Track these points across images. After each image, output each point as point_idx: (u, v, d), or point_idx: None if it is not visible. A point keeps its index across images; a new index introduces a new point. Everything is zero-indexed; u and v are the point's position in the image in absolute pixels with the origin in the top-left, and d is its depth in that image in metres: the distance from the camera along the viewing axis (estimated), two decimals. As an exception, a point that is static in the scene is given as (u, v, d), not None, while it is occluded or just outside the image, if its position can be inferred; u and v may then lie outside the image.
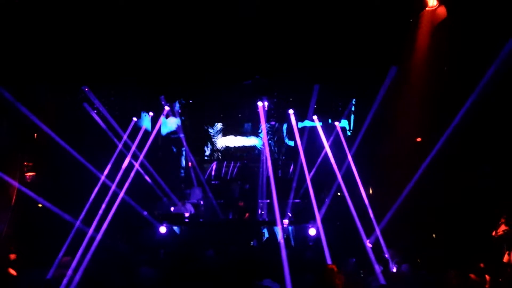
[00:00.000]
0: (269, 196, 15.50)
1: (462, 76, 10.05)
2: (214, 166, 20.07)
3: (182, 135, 17.19)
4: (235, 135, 19.92)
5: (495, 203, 10.63)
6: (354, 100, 14.83)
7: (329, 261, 10.46)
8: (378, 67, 11.79)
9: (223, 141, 19.94)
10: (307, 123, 16.56)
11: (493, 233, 10.07)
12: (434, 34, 10.40)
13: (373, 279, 9.37)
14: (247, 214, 15.15)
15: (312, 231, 13.18)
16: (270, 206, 15.28)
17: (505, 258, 9.59)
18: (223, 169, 20.00)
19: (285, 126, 19.48)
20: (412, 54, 11.01)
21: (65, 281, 9.49)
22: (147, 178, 15.33)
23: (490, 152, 10.42)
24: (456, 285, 8.57)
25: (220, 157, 19.84)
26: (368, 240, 11.97)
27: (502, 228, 10.02)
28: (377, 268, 9.93)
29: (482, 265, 9.02)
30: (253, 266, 10.19)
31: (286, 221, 14.09)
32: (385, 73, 11.79)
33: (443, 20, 10.05)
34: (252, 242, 12.70)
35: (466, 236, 11.26)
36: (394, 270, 10.04)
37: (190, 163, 17.24)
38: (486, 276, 8.74)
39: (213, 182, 19.01)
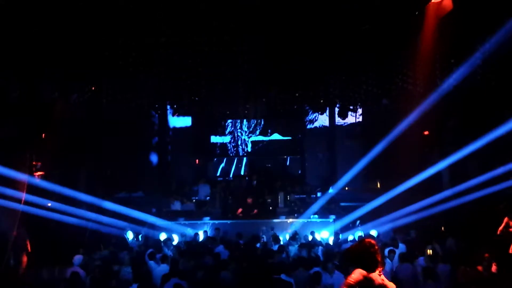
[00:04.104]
0: (277, 192, 15.56)
1: (468, 67, 10.05)
2: (222, 163, 20.12)
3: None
4: (244, 132, 19.94)
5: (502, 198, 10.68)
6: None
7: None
8: (385, 59, 11.76)
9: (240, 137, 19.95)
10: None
11: (498, 232, 10.12)
12: (439, 26, 10.36)
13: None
14: (255, 211, 15.17)
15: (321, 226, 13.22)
16: (278, 201, 15.33)
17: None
18: (231, 165, 20.03)
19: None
20: (418, 46, 10.98)
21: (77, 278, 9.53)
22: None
23: (496, 144, 10.43)
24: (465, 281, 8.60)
25: (233, 153, 19.84)
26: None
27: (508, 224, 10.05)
28: (387, 263, 9.91)
29: (487, 255, 9.02)
30: (263, 262, 10.23)
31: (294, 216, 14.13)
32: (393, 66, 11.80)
33: (449, 12, 10.01)
34: (261, 238, 12.68)
35: (475, 229, 11.28)
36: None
37: (197, 160, 17.29)
38: (493, 264, 8.75)
39: (220, 178, 19.07)
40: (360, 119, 15.84)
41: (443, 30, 10.24)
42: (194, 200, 16.17)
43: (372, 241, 4.52)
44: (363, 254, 4.46)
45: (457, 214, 12.41)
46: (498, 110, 10.52)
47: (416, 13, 10.51)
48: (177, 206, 15.53)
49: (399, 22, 10.65)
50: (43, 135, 13.09)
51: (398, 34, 10.93)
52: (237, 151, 19.95)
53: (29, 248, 11.06)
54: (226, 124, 19.78)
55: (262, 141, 19.60)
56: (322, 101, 13.94)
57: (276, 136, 19.65)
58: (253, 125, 19.62)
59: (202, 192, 16.55)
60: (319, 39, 11.43)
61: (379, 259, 4.49)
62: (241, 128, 19.82)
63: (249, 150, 19.77)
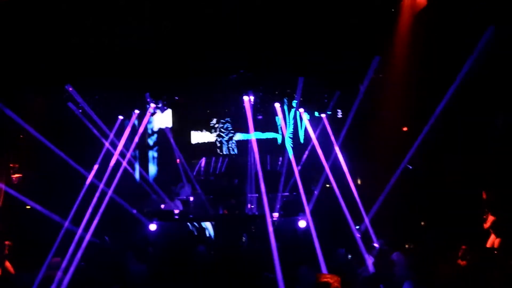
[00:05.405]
0: (258, 190, 15.55)
1: (444, 63, 10.13)
2: (203, 162, 20.08)
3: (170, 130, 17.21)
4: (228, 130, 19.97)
5: (482, 190, 10.78)
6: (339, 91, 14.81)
7: (319, 253, 10.49)
8: (361, 57, 11.82)
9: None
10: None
11: (485, 226, 10.24)
12: (415, 22, 10.47)
13: (363, 270, 9.42)
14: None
15: (302, 223, 13.23)
16: (259, 199, 15.33)
17: (489, 243, 9.76)
18: (212, 164, 20.00)
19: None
20: (393, 43, 11.07)
21: (55, 282, 9.43)
22: (136, 175, 15.32)
23: (474, 138, 10.55)
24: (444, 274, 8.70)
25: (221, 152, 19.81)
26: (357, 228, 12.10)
27: (490, 219, 10.19)
28: (368, 259, 9.98)
29: (464, 247, 9.14)
30: (244, 261, 10.26)
31: (276, 214, 14.11)
32: (368, 63, 11.83)
33: (423, 8, 10.13)
34: (243, 237, 12.69)
35: (454, 223, 11.39)
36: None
37: (178, 160, 17.22)
38: (472, 257, 8.86)
39: (202, 178, 19.04)
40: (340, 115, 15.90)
41: (418, 26, 10.34)
42: (176, 200, 16.11)
43: (332, 284, 4.62)
44: None
45: (435, 208, 12.53)
46: (477, 105, 10.64)
47: (392, 10, 10.61)
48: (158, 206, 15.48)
49: (375, 18, 10.73)
50: (21, 136, 12.93)
51: (374, 31, 11.00)
52: (221, 150, 19.95)
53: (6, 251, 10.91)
54: (210, 123, 19.79)
55: (244, 140, 19.60)
56: (301, 99, 13.95)
57: (257, 135, 19.68)
58: (234, 123, 19.63)
59: (183, 192, 16.51)
60: (295, 35, 11.47)
61: None
62: (223, 127, 19.84)
63: (234, 148, 19.79)
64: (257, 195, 15.83)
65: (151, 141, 19.14)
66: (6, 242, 11.00)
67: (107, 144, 13.96)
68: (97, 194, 12.49)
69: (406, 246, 10.56)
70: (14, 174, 12.99)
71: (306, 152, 15.67)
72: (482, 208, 10.39)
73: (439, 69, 10.39)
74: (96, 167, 13.07)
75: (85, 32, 11.29)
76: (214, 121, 19.80)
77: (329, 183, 13.34)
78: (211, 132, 20.01)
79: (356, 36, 11.18)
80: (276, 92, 14.74)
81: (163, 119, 17.93)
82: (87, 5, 10.50)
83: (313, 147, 14.01)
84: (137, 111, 14.81)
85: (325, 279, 4.64)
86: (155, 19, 11.26)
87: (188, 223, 13.96)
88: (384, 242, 11.13)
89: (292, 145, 15.60)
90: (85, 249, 10.85)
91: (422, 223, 12.82)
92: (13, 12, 10.31)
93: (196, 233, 13.74)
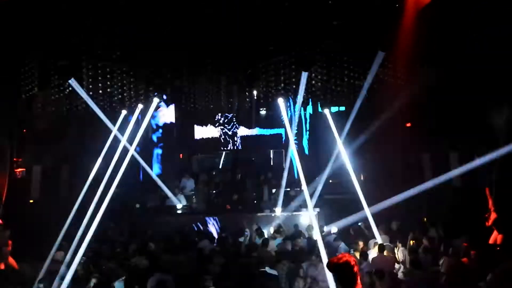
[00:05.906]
0: (261, 186, 15.57)
1: (447, 59, 10.13)
2: (206, 157, 20.08)
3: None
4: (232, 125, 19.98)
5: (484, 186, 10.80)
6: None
7: (321, 247, 10.50)
8: (365, 52, 11.80)
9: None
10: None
11: (487, 224, 10.27)
12: (419, 18, 10.45)
13: (365, 266, 9.43)
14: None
15: (305, 220, 13.26)
16: (262, 195, 15.36)
17: (492, 240, 9.78)
18: (215, 159, 20.00)
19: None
20: (397, 38, 11.04)
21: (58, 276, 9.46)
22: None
23: (477, 135, 10.54)
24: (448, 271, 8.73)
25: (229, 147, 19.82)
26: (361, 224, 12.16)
27: (493, 216, 10.21)
28: (369, 255, 10.01)
29: (465, 244, 9.18)
30: (247, 256, 10.29)
31: (279, 209, 14.14)
32: (372, 58, 11.82)
33: (427, 4, 10.12)
34: (245, 232, 12.69)
35: (456, 219, 11.40)
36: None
37: (181, 155, 17.21)
38: (472, 252, 8.89)
39: (205, 173, 19.01)
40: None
41: (422, 21, 10.32)
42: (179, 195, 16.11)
43: (352, 261, 4.42)
44: (343, 271, 4.40)
45: (439, 204, 12.53)
46: (479, 102, 10.62)
47: (396, 5, 10.59)
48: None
49: (379, 14, 10.71)
50: (24, 130, 12.95)
51: (378, 26, 10.98)
52: (224, 145, 19.96)
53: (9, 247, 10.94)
54: (216, 118, 19.80)
55: (247, 135, 19.61)
56: (304, 94, 13.91)
57: (260, 130, 19.68)
58: (236, 118, 19.64)
59: (186, 187, 16.52)
60: (300, 31, 11.45)
61: (358, 280, 4.42)
62: (226, 121, 19.84)
63: (238, 144, 19.81)
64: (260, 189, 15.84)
65: (155, 136, 19.18)
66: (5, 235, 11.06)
67: (110, 138, 13.94)
68: (101, 188, 12.51)
69: (410, 242, 10.56)
70: (17, 168, 13.02)
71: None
72: (485, 205, 10.40)
73: (442, 65, 10.37)
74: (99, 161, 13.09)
75: (85, 32, 11.30)
76: (219, 116, 19.79)
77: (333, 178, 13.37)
78: (215, 127, 20.01)
79: (361, 32, 11.15)
80: (280, 88, 14.69)
81: (167, 114, 17.92)
82: (87, 5, 10.50)
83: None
84: (141, 106, 14.78)
85: (345, 259, 4.41)
86: (155, 19, 11.26)
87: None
88: (387, 238, 11.15)
89: (296, 142, 15.52)
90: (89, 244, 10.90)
91: (425, 219, 12.82)
92: (14, 12, 10.32)
93: (198, 228, 13.78)
